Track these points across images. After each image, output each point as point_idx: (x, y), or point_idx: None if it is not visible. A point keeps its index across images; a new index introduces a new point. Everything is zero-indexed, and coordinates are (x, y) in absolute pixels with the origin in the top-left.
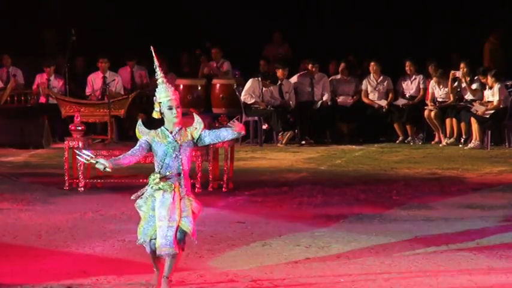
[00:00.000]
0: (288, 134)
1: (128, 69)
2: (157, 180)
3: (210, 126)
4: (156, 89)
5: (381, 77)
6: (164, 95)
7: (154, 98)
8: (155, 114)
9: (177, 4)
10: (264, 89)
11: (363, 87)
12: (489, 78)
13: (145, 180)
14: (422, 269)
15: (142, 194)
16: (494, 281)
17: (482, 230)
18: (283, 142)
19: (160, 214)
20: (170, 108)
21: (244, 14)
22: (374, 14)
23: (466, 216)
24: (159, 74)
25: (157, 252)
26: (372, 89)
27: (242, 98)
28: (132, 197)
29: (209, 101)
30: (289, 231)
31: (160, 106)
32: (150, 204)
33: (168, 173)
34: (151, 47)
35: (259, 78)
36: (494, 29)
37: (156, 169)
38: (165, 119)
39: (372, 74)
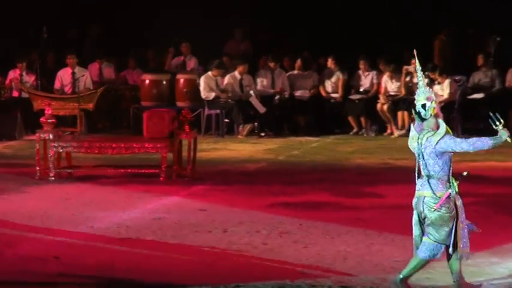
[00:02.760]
0: (248, 127)
1: (97, 65)
2: (458, 183)
3: (173, 119)
4: (427, 89)
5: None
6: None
7: (428, 96)
8: (433, 112)
9: (145, 3)
10: (226, 82)
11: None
12: (438, 74)
13: (112, 171)
14: (377, 254)
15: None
16: (445, 265)
17: None
18: (244, 134)
19: (462, 217)
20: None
21: (207, 11)
22: (330, 12)
23: None
24: (421, 77)
25: (461, 254)
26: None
27: (203, 96)
28: (438, 206)
29: (173, 94)
30: (249, 218)
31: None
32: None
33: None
34: (414, 51)
35: (210, 73)
36: (444, 27)
37: (448, 172)
38: (431, 120)
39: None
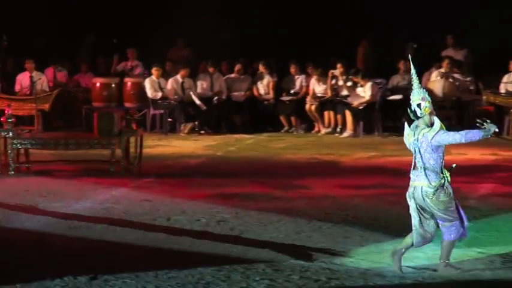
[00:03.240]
0: (190, 125)
1: (51, 70)
2: (449, 173)
3: (122, 118)
4: (421, 90)
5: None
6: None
7: (423, 97)
8: (427, 110)
9: (95, 11)
10: (169, 85)
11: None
12: (360, 77)
13: (66, 165)
14: (306, 240)
15: (442, 190)
16: (366, 250)
17: (355, 206)
18: (185, 132)
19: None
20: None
21: (152, 21)
22: (264, 19)
23: (341, 194)
24: (416, 79)
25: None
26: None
27: (151, 96)
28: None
29: (121, 96)
30: (190, 208)
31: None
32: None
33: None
34: (409, 57)
35: (153, 76)
36: (366, 35)
37: (441, 164)
38: (426, 118)
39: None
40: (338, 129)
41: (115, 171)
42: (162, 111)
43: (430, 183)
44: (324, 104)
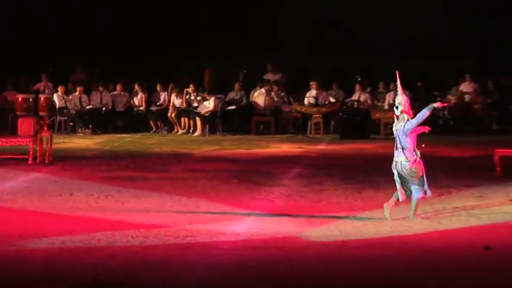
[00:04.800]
0: (88, 129)
1: None
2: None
3: (37, 123)
4: (400, 96)
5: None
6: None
7: (400, 101)
8: (401, 111)
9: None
10: (70, 98)
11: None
12: (207, 94)
13: None
14: (167, 209)
15: (414, 164)
16: (211, 216)
17: (203, 184)
18: (84, 133)
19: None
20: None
21: (56, 49)
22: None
23: (193, 176)
24: (399, 89)
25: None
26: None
27: (58, 105)
28: (411, 166)
29: (37, 107)
30: (86, 186)
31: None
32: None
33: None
34: (397, 72)
35: (59, 91)
36: (211, 62)
37: (413, 146)
38: (401, 115)
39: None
40: (191, 130)
41: (32, 161)
42: (65, 118)
43: (407, 159)
44: (180, 112)
